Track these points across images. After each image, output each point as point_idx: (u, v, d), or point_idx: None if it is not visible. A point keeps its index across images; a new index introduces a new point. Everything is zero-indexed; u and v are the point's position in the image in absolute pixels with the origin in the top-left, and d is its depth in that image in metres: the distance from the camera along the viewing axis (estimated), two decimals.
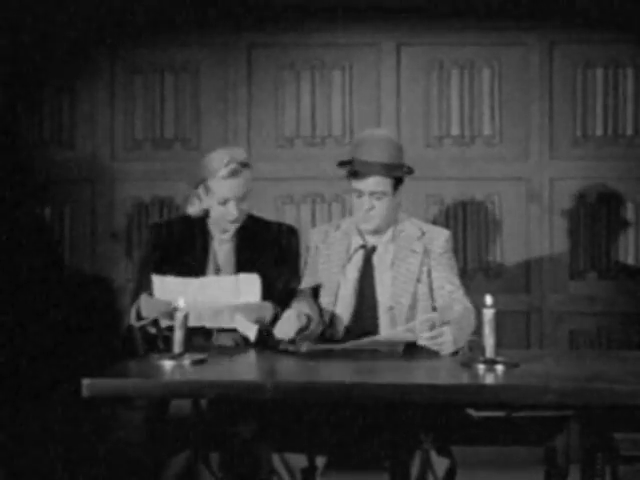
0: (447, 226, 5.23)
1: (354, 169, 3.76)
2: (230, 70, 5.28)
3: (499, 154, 5.23)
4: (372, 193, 3.76)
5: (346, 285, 3.83)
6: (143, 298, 3.71)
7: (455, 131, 5.25)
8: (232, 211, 3.84)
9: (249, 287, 3.63)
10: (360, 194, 3.77)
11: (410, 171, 3.85)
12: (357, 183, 3.77)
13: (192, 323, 3.53)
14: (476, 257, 5.24)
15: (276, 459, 3.49)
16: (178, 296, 3.43)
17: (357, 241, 3.88)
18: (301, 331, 3.59)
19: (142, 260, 3.99)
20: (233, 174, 3.81)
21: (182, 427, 3.62)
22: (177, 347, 3.31)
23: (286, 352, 3.52)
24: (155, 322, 3.70)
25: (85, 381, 3.02)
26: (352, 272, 3.84)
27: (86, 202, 5.29)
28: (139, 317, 3.78)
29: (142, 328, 3.74)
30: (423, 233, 3.86)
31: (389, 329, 3.75)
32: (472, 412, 3.53)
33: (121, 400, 3.93)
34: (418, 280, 3.80)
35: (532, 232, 5.21)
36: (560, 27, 5.17)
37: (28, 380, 5.10)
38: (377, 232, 3.85)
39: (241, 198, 3.84)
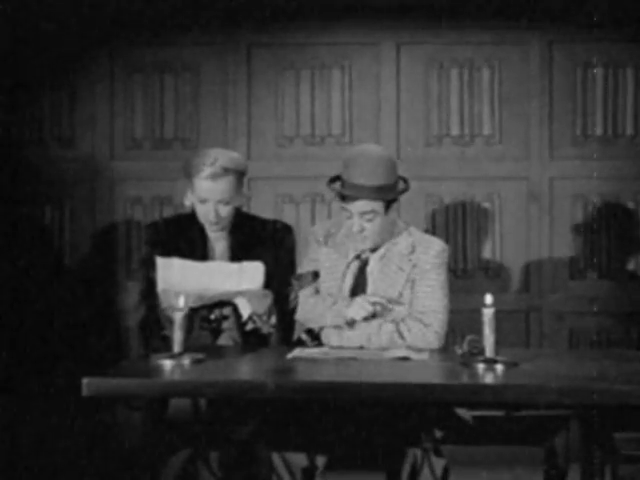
0: (446, 225, 5.23)
1: (343, 193, 3.63)
2: (230, 69, 5.28)
3: (499, 153, 5.23)
4: (362, 214, 3.62)
5: (342, 293, 3.77)
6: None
7: (455, 130, 5.25)
8: (210, 212, 3.84)
9: (252, 275, 3.64)
10: (350, 216, 3.65)
11: (405, 189, 3.72)
12: (346, 205, 3.64)
13: (193, 304, 3.59)
14: (476, 256, 5.24)
15: (276, 458, 3.48)
16: (182, 279, 3.48)
17: (353, 250, 3.78)
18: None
19: (144, 260, 4.00)
20: (212, 177, 3.80)
21: (182, 427, 3.62)
22: (176, 347, 3.31)
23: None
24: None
25: (85, 380, 3.02)
26: (348, 281, 3.78)
27: (86, 201, 5.29)
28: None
29: (168, 317, 3.75)
30: (413, 249, 3.72)
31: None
32: (463, 412, 3.53)
33: (121, 400, 3.94)
34: (399, 297, 3.69)
35: (532, 232, 5.21)
36: (560, 26, 5.17)
37: (28, 380, 5.09)
38: (374, 249, 3.75)
39: (222, 202, 3.83)
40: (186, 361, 3.29)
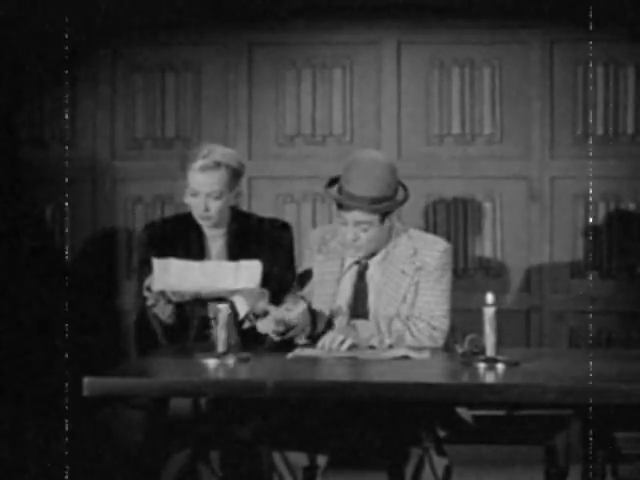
0: (447, 225, 5.23)
1: (339, 201, 3.61)
2: (231, 69, 5.28)
3: (500, 153, 5.23)
4: (357, 223, 3.59)
5: (341, 299, 3.75)
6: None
7: (456, 130, 5.25)
8: (200, 205, 3.85)
9: (250, 273, 3.64)
10: (344, 223, 3.62)
11: (404, 199, 3.67)
12: (342, 212, 3.61)
13: (189, 298, 3.62)
14: (476, 256, 5.24)
15: (277, 458, 3.48)
16: (179, 279, 3.49)
17: (350, 257, 3.74)
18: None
19: (141, 260, 4.00)
20: (203, 169, 3.82)
21: (182, 426, 3.62)
22: (220, 346, 3.29)
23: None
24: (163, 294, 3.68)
25: (86, 380, 3.02)
26: (346, 287, 3.75)
27: (86, 201, 5.29)
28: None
29: (156, 316, 3.76)
30: (416, 251, 3.68)
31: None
32: (463, 411, 3.53)
33: (121, 399, 3.93)
34: (403, 300, 3.68)
35: (532, 231, 5.20)
36: (561, 25, 5.17)
37: (28, 380, 5.10)
38: (368, 257, 3.72)
39: (212, 195, 3.84)
40: (230, 360, 3.27)
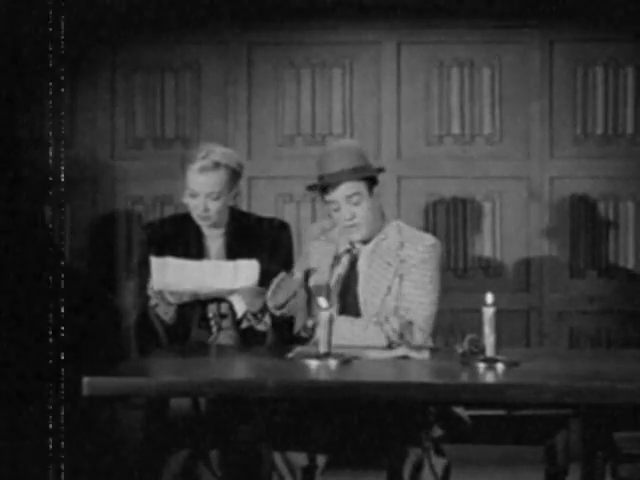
0: (447, 224, 5.24)
1: (325, 183, 3.69)
2: (230, 68, 5.28)
3: (499, 153, 5.24)
4: (347, 199, 3.66)
5: (334, 288, 3.77)
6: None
7: (455, 130, 5.25)
8: (199, 205, 3.85)
9: (247, 273, 3.64)
10: (337, 207, 3.69)
11: (380, 170, 3.79)
12: (330, 196, 3.69)
13: (187, 299, 3.65)
14: (476, 256, 5.24)
15: (277, 457, 3.48)
16: (176, 278, 3.49)
17: (344, 244, 3.81)
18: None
19: (140, 260, 4.00)
20: (203, 170, 3.82)
21: (182, 426, 3.63)
22: (322, 347, 3.28)
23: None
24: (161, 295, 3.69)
25: (86, 380, 3.02)
26: (338, 276, 3.79)
27: (86, 201, 5.30)
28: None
29: (158, 317, 3.76)
30: (402, 244, 3.73)
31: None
32: (460, 411, 3.53)
33: (121, 399, 3.94)
34: (388, 291, 3.71)
35: (532, 231, 5.21)
36: (560, 26, 5.17)
37: (28, 380, 5.10)
38: (367, 240, 3.76)
39: (211, 196, 3.84)
40: (332, 362, 3.26)
